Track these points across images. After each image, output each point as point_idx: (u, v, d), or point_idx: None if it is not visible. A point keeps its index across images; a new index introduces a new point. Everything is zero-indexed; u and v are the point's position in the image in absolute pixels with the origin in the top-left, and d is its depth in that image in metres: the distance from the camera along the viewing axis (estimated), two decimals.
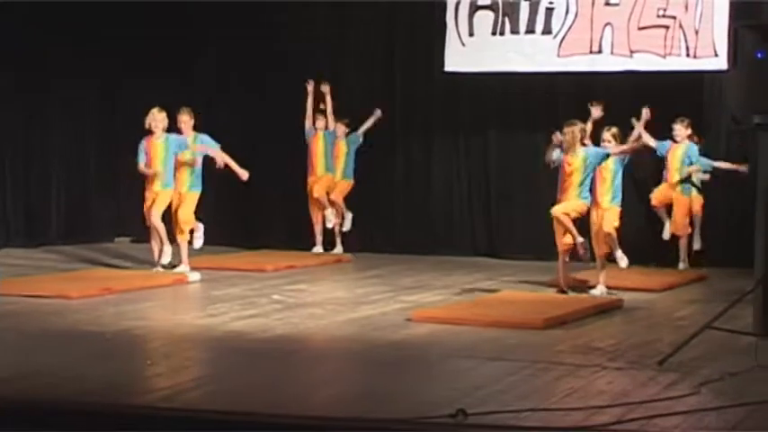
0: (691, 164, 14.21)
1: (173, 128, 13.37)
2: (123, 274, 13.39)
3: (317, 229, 15.70)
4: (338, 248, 15.77)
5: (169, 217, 13.35)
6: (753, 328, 9.23)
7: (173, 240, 13.36)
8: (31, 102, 16.21)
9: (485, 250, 15.86)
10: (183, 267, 13.32)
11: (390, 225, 16.20)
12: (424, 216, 16.14)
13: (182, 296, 12.28)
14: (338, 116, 15.68)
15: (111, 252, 15.76)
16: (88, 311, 10.71)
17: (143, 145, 13.20)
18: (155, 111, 13.19)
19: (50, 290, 11.69)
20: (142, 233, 15.67)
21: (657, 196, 14.38)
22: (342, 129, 15.67)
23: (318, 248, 15.70)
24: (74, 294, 11.47)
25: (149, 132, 13.21)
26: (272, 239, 16.08)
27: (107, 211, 17.14)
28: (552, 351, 9.19)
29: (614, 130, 12.25)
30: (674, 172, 14.28)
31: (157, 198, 13.15)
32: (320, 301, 11.77)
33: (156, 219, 13.13)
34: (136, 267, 14.02)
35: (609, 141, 12.16)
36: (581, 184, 11.95)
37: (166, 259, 13.31)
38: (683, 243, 14.37)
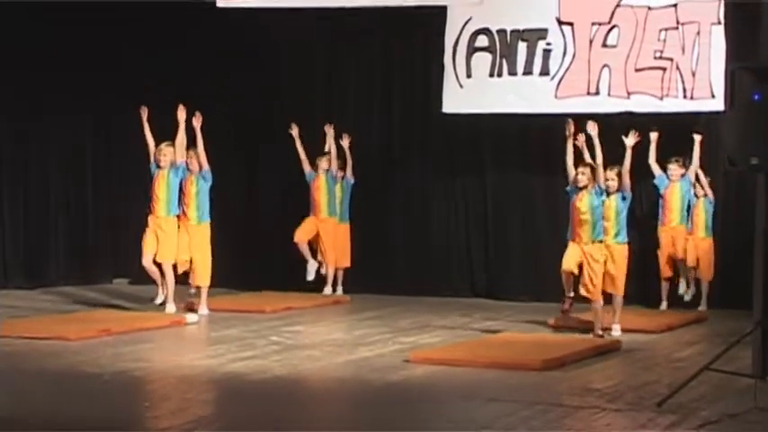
0: (689, 202, 14.34)
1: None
2: (122, 315, 13.38)
3: (304, 249, 15.61)
4: (339, 291, 15.76)
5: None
6: (752, 370, 9.22)
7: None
8: (29, 144, 16.22)
9: (483, 291, 15.86)
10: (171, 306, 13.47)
11: (388, 266, 16.19)
12: (421, 257, 16.13)
13: (180, 337, 12.26)
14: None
15: (110, 293, 15.74)
16: (87, 353, 10.69)
17: (154, 173, 13.38)
18: (162, 145, 13.36)
19: (49, 331, 11.68)
20: (140, 274, 15.69)
21: (666, 259, 14.41)
22: (339, 172, 15.69)
23: (311, 263, 15.58)
24: (72, 336, 11.46)
25: (158, 167, 13.39)
26: (271, 280, 16.05)
27: (105, 253, 17.12)
28: (551, 392, 9.18)
29: (618, 169, 12.28)
30: (674, 213, 14.33)
31: (162, 238, 13.25)
32: (318, 343, 11.76)
33: (167, 267, 13.36)
34: (134, 309, 14.01)
35: (612, 180, 12.20)
36: (594, 224, 11.99)
37: (165, 302, 13.50)
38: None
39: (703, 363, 9.04)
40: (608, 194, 12.18)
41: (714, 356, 8.94)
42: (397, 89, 16.40)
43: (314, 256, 15.50)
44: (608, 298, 12.45)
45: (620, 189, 12.25)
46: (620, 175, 12.22)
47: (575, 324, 12.48)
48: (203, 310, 13.57)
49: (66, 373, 9.78)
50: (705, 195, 14.48)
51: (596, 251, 12.01)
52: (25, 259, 16.34)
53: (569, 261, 12.02)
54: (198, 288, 13.69)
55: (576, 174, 12.09)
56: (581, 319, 12.55)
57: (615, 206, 12.24)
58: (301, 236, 15.43)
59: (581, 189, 12.06)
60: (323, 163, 15.53)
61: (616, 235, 12.27)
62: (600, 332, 12.01)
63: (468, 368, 10.11)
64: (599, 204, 12.02)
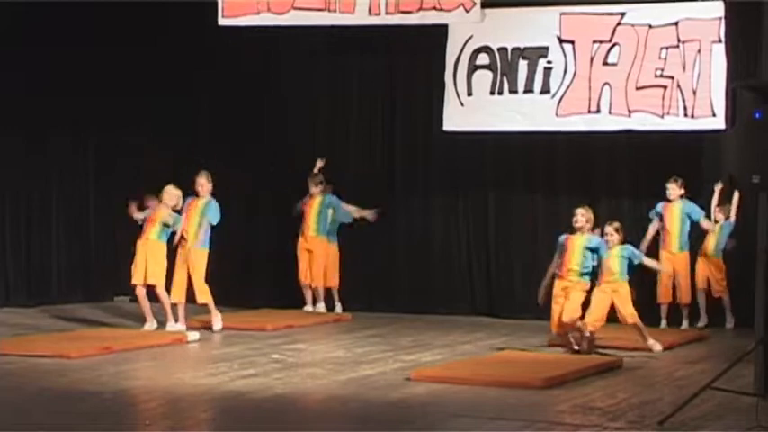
0: (692, 223, 14.29)
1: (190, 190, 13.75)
2: (123, 333, 13.37)
3: (307, 293, 15.67)
4: (338, 308, 15.77)
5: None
6: (754, 388, 9.21)
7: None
8: (31, 162, 16.20)
9: (484, 309, 15.84)
10: (180, 326, 13.43)
11: (389, 284, 16.18)
12: (423, 275, 16.12)
13: (181, 356, 12.26)
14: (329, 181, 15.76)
15: (111, 311, 15.73)
16: (87, 371, 10.69)
17: (186, 204, 13.53)
18: (169, 188, 13.51)
19: (50, 349, 11.68)
20: None
21: (664, 291, 14.34)
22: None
23: (309, 307, 15.65)
24: (73, 354, 11.46)
25: (195, 194, 13.60)
26: (271, 299, 16.03)
27: (106, 271, 17.10)
28: (552, 411, 9.18)
29: (616, 224, 12.34)
30: (673, 237, 14.28)
31: (151, 261, 13.32)
32: (320, 361, 11.76)
33: (160, 290, 13.42)
34: (135, 327, 13.99)
35: (611, 235, 12.23)
36: (583, 265, 12.01)
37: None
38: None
39: (705, 381, 9.04)
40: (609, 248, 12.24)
41: (716, 375, 8.94)
42: (398, 107, 16.41)
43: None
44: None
45: (620, 242, 12.31)
46: (617, 230, 12.28)
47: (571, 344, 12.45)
48: (182, 324, 13.59)
49: (67, 391, 9.78)
50: (727, 218, 14.36)
51: (577, 284, 12.03)
52: (27, 277, 16.31)
53: (571, 311, 12.01)
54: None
55: (575, 215, 12.08)
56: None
57: (618, 260, 12.25)
58: (305, 276, 15.52)
59: (576, 230, 12.08)
60: (315, 189, 15.51)
61: (621, 274, 12.29)
62: (576, 347, 12.16)
63: (470, 386, 10.10)
64: (590, 245, 12.02)
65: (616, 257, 12.24)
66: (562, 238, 12.16)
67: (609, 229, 12.31)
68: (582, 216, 12.08)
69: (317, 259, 15.52)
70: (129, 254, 14.84)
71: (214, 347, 12.54)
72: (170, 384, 10.29)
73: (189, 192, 13.71)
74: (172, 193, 13.50)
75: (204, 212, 13.72)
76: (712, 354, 12.38)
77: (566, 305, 11.93)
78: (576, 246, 12.01)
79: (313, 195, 15.53)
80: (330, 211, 15.65)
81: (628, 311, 12.24)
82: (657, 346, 12.31)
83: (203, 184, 13.77)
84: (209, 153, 15.92)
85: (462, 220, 16.13)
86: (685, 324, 14.38)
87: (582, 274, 12.02)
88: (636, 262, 12.36)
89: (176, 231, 13.49)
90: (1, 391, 9.79)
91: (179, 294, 13.60)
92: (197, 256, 13.67)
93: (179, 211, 13.56)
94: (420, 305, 15.83)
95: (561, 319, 11.95)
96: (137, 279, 13.46)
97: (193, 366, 11.61)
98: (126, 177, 16.49)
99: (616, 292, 12.19)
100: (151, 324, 13.52)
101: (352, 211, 15.50)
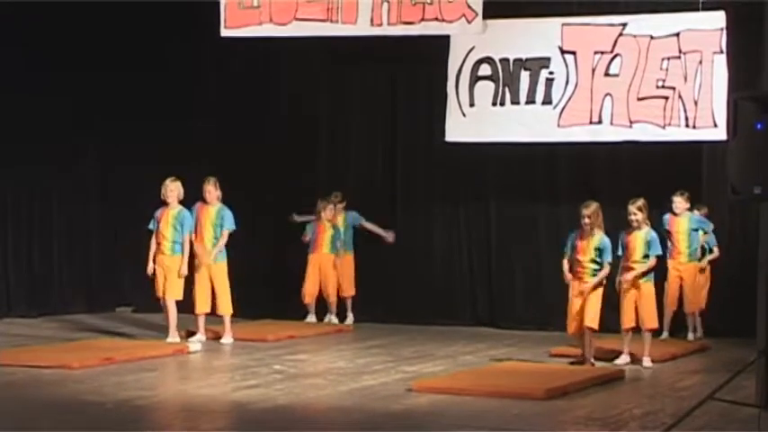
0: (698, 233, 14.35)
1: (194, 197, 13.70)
2: (125, 343, 13.37)
3: (312, 307, 15.73)
4: (349, 318, 15.79)
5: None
6: (755, 400, 9.20)
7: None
8: (33, 172, 16.19)
9: (486, 320, 15.84)
10: (200, 336, 13.57)
11: (391, 295, 16.18)
12: (425, 286, 16.12)
13: (183, 366, 12.25)
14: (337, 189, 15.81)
15: (113, 321, 15.73)
16: (89, 381, 10.69)
17: (156, 214, 13.34)
18: (168, 181, 13.30)
19: (51, 360, 11.68)
20: (143, 303, 15.73)
21: (670, 301, 14.30)
22: (339, 207, 15.71)
23: (311, 318, 15.69)
24: (75, 364, 11.46)
25: (164, 203, 13.35)
26: (271, 309, 16.04)
27: (108, 281, 17.11)
28: (554, 422, 9.17)
29: (640, 202, 12.30)
30: (681, 249, 14.25)
31: (168, 274, 13.23)
32: (321, 371, 11.76)
33: (170, 303, 13.31)
34: (137, 337, 14.00)
35: (635, 214, 12.21)
36: (593, 271, 12.00)
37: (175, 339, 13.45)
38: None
39: (706, 392, 9.03)
40: (632, 231, 12.22)
41: (718, 386, 8.93)
42: (399, 117, 16.43)
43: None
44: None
45: (644, 223, 12.30)
46: (641, 209, 12.24)
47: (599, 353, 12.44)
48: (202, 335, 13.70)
49: (69, 401, 9.78)
50: (706, 215, 14.43)
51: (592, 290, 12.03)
52: (29, 287, 16.32)
53: (572, 323, 12.05)
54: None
55: (582, 217, 12.03)
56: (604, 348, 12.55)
57: (644, 239, 12.28)
58: (310, 294, 15.56)
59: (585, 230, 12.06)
60: (327, 213, 15.56)
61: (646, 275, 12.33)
62: (593, 361, 12.08)
63: (472, 397, 10.10)
64: (603, 249, 11.99)
65: (641, 250, 12.22)
66: (573, 235, 12.15)
67: (632, 208, 12.24)
68: (588, 218, 12.01)
69: (329, 275, 15.60)
70: (131, 263, 14.90)
71: (216, 358, 12.54)
72: (171, 395, 10.30)
73: (191, 200, 13.71)
74: (172, 187, 13.32)
75: (218, 222, 13.62)
76: (713, 365, 12.38)
77: (586, 310, 11.89)
78: (588, 247, 12.00)
79: (326, 219, 15.58)
80: (340, 221, 15.70)
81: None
82: (625, 359, 12.30)
83: (210, 191, 13.69)
84: (211, 161, 15.90)
85: (464, 231, 16.14)
86: (691, 335, 14.38)
87: (594, 274, 12.00)
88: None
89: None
90: (2, 401, 9.79)
91: (204, 306, 13.67)
92: (218, 269, 13.65)
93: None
94: (422, 316, 15.83)
95: (583, 323, 11.94)
96: (160, 292, 13.36)
97: (195, 377, 11.61)
98: (127, 185, 16.51)
99: (641, 297, 12.23)
100: (173, 338, 13.43)
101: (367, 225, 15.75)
